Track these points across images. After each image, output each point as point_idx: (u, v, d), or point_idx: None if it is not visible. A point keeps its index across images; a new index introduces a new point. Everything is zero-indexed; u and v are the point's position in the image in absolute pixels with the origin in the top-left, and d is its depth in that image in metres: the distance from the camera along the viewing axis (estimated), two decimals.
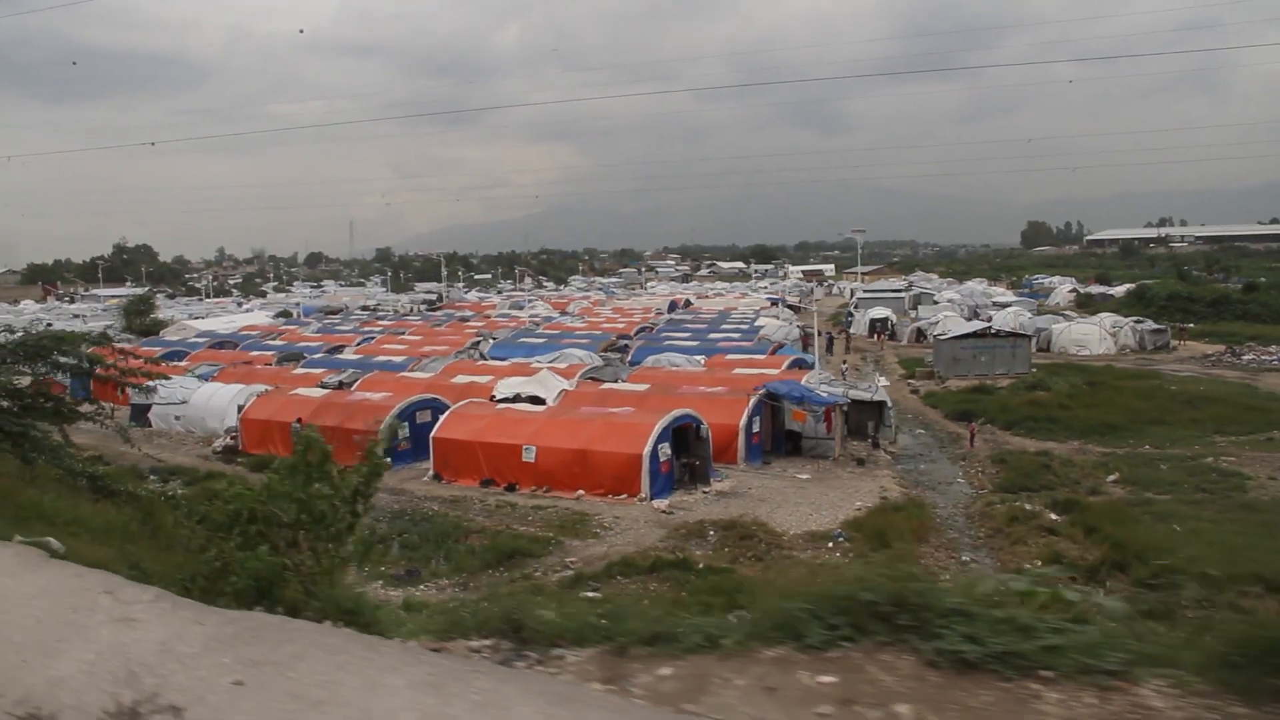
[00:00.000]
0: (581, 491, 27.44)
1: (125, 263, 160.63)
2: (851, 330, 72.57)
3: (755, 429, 31.13)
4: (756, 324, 64.29)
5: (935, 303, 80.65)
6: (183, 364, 48.83)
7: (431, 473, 30.22)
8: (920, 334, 67.43)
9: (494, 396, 35.46)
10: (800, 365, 42.08)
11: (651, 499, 26.84)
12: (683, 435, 28.73)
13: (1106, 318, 63.94)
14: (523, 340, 55.00)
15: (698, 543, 23.47)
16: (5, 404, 12.78)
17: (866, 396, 34.22)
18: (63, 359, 13.84)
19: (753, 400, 31.22)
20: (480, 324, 70.83)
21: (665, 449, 27.66)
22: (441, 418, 31.31)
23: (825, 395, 32.20)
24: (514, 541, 23.34)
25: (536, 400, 34.84)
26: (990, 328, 48.47)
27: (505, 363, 43.89)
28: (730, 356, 44.05)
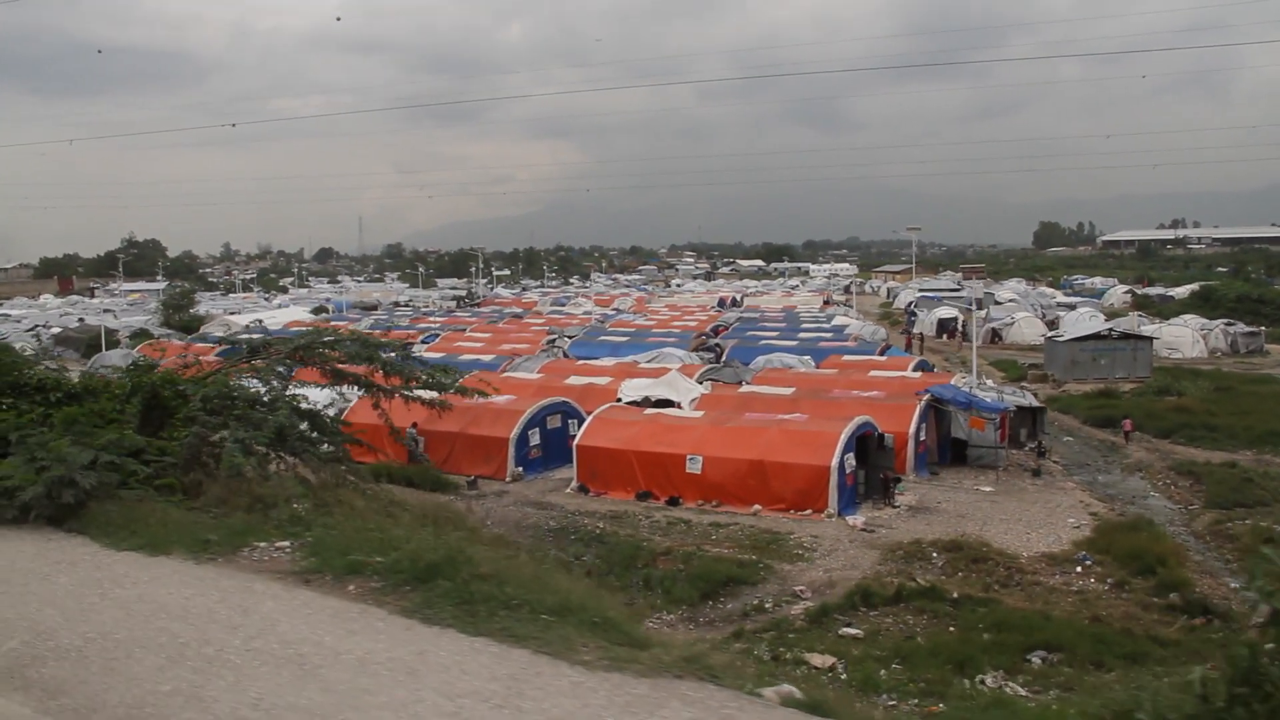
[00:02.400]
0: (758, 506, 25.10)
1: (137, 258, 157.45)
2: (915, 331, 70.36)
3: (922, 436, 28.86)
4: (834, 323, 62.01)
5: (998, 303, 78.42)
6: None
7: (575, 484, 27.85)
8: (995, 335, 65.33)
9: (620, 400, 33.13)
10: (923, 367, 39.83)
11: (839, 514, 24.55)
12: (863, 445, 26.42)
13: (1192, 319, 61.82)
14: (604, 339, 52.56)
15: (921, 566, 21.19)
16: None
17: (1025, 402, 31.99)
18: (385, 356, 11.81)
19: (920, 405, 28.93)
20: (538, 321, 68.45)
21: (851, 460, 25.38)
22: (584, 424, 28.97)
23: (993, 401, 29.96)
24: (719, 566, 20.89)
25: (664, 403, 32.53)
26: (1111, 330, 46.19)
27: (608, 362, 41.43)
28: (848, 358, 41.68)
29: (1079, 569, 20.54)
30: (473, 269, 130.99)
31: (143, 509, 8.34)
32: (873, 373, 36.54)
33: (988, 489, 27.25)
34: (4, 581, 6.91)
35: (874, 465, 26.47)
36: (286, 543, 8.19)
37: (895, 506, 25.31)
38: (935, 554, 21.68)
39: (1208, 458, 30.68)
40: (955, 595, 18.87)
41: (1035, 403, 32.56)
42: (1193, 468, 29.47)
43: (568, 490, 27.77)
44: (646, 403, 32.61)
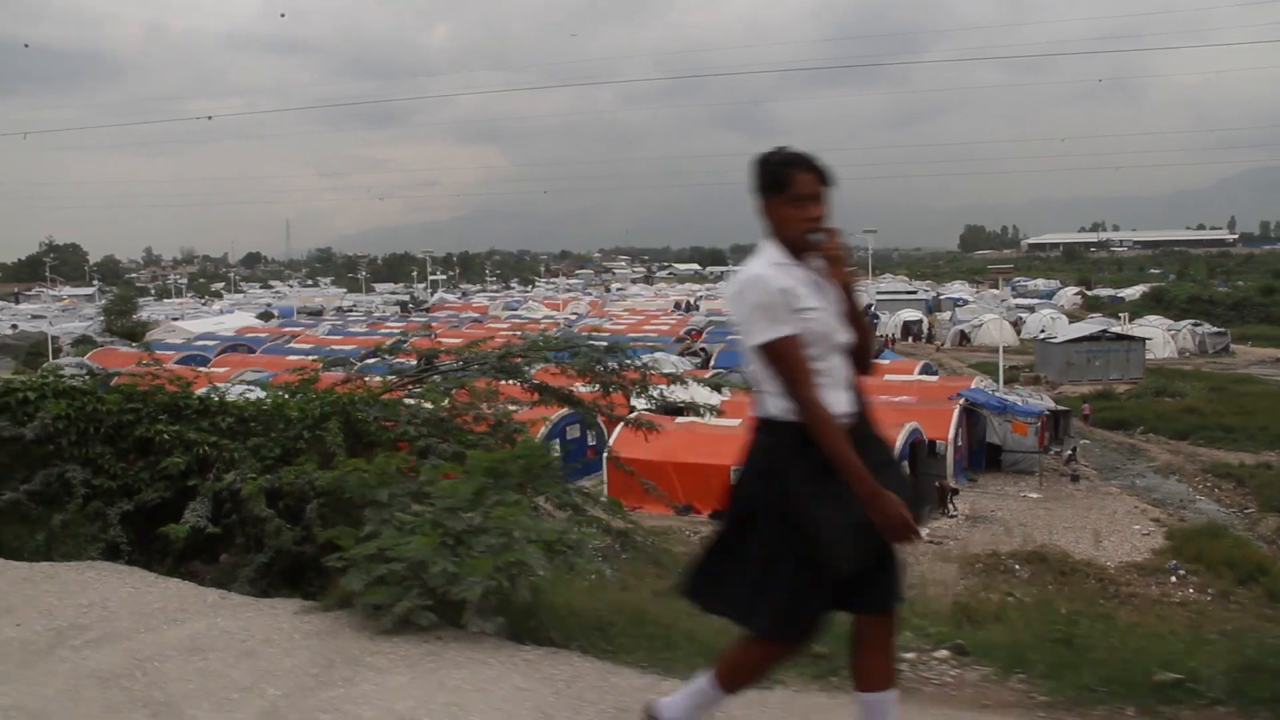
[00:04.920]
0: None
1: (59, 262, 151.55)
2: (884, 334, 70.08)
3: (959, 442, 28.04)
4: None
5: (957, 305, 78.75)
6: (219, 371, 44.09)
7: (605, 497, 26.41)
8: (963, 337, 65.27)
9: (634, 407, 31.73)
10: (927, 370, 39.17)
11: None
12: (914, 452, 25.48)
13: (1158, 320, 62.37)
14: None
15: (1006, 579, 20.26)
16: None
17: (1051, 407, 31.40)
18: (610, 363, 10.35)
19: (957, 410, 28.11)
20: (503, 325, 66.63)
21: (905, 468, 24.36)
22: (612, 434, 27.56)
23: (1027, 405, 29.29)
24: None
25: (677, 410, 31.23)
26: (1105, 330, 46.08)
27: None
28: None
29: (1173, 579, 19.78)
30: (414, 273, 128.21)
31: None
32: (887, 376, 35.64)
33: (1035, 495, 26.52)
34: None
35: (925, 473, 25.53)
36: None
37: (952, 516, 24.41)
38: (1017, 566, 20.80)
39: (1237, 459, 30.33)
40: (1064, 611, 17.95)
41: (1058, 406, 31.98)
42: (1228, 470, 29.08)
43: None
44: (666, 410, 31.31)
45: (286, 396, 8.80)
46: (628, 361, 10.69)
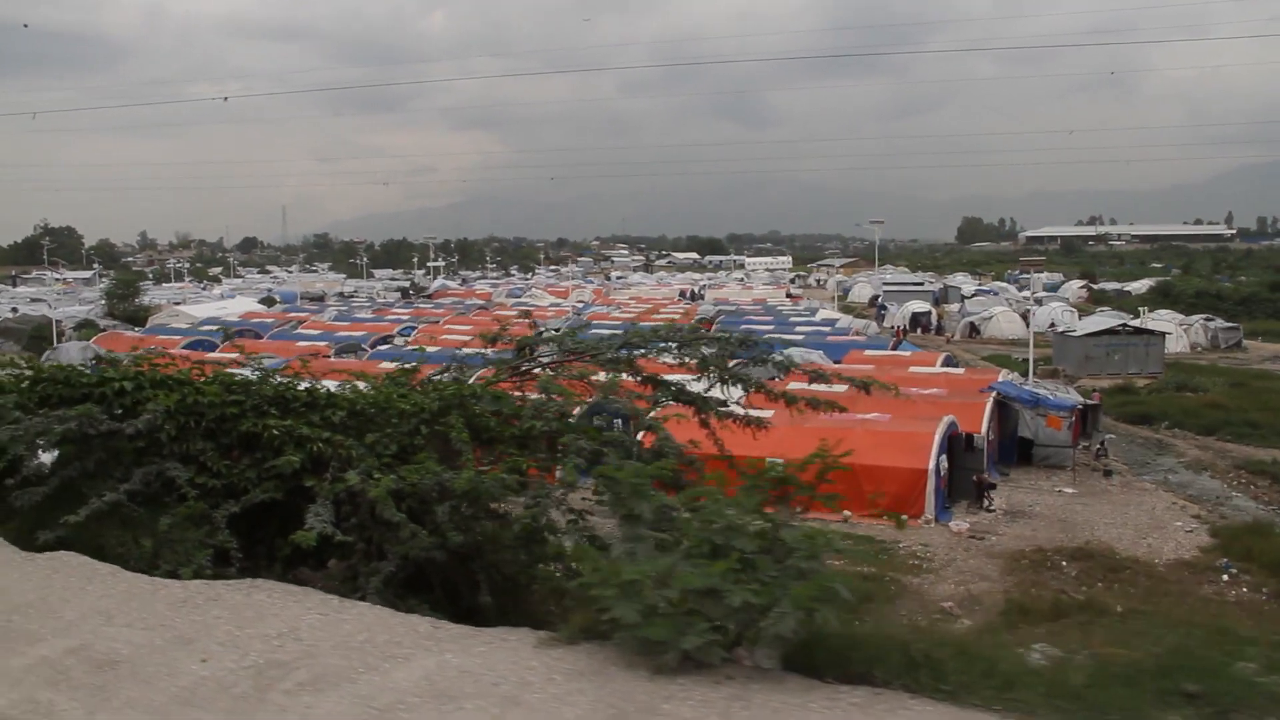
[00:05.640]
0: (848, 513, 23.57)
1: (56, 246, 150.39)
2: (894, 325, 69.78)
3: (990, 436, 27.70)
4: (819, 317, 60.94)
5: (965, 298, 78.49)
6: (228, 357, 43.54)
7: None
8: (973, 329, 64.95)
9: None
10: (949, 363, 38.82)
11: (936, 520, 23.25)
12: (952, 446, 25.13)
13: (1168, 314, 62.09)
14: (593, 331, 50.45)
15: (1053, 576, 19.95)
16: None
17: (1082, 401, 31.07)
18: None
19: (989, 403, 27.76)
20: (511, 313, 66.11)
21: (944, 462, 24.07)
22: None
23: (1058, 398, 28.98)
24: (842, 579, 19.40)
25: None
26: (1124, 325, 45.80)
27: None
28: (869, 353, 40.35)
29: (1224, 578, 19.47)
30: (414, 259, 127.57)
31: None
32: (911, 369, 35.28)
33: (1070, 490, 26.20)
34: None
35: (962, 467, 25.22)
36: None
37: (990, 510, 24.08)
38: (1064, 563, 20.48)
39: (1269, 456, 30.06)
40: (1120, 610, 17.64)
41: (1088, 400, 31.64)
42: (1262, 467, 28.80)
43: None
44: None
45: (394, 388, 8.35)
46: (774, 356, 10.21)
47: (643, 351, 9.99)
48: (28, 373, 7.87)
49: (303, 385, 8.02)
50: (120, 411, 7.29)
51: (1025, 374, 35.04)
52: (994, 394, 28.49)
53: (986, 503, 24.23)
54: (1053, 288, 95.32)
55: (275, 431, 7.19)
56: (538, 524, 6.89)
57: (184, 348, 44.07)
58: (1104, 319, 50.40)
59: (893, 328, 65.42)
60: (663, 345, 10.00)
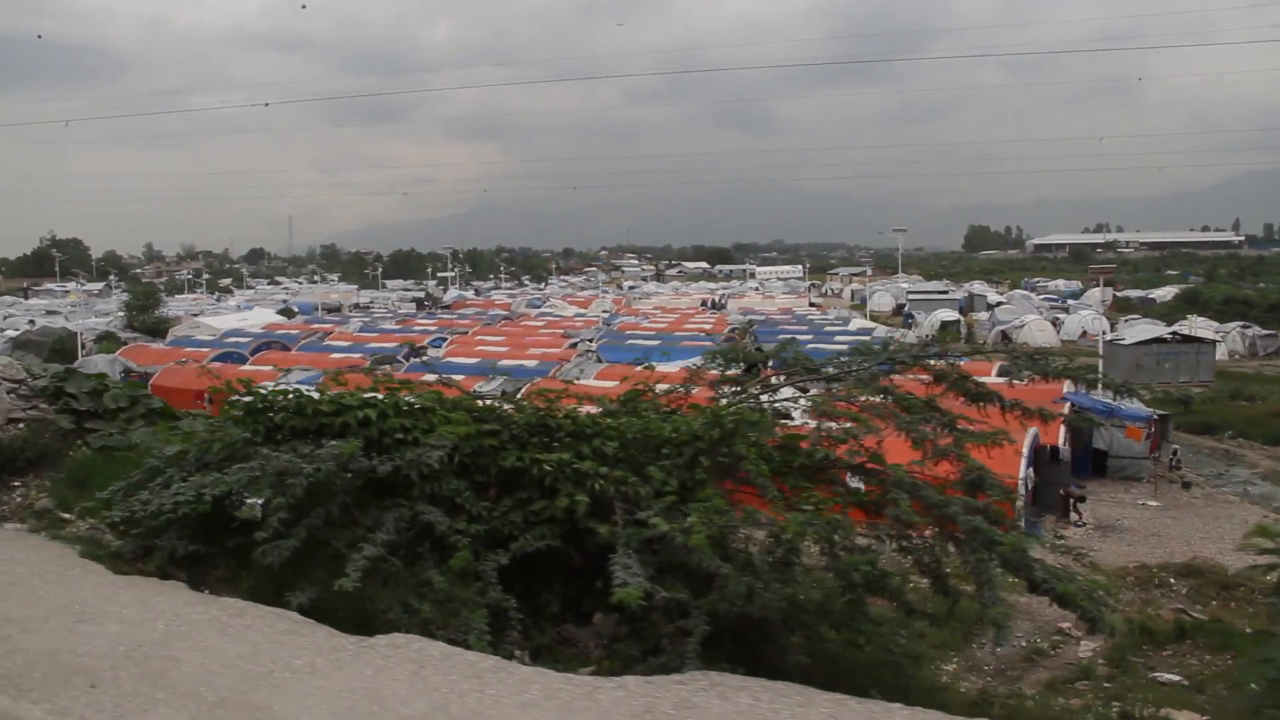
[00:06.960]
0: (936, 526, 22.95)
1: (65, 258, 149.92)
2: (916, 335, 69.22)
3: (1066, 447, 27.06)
4: (854, 326, 60.33)
5: (991, 306, 77.93)
6: (263, 369, 42.82)
7: None
8: (1005, 337, 64.28)
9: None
10: (1005, 373, 38.08)
11: (1026, 533, 22.55)
12: (1036, 457, 24.50)
13: (1204, 322, 61.46)
14: (632, 341, 49.88)
15: (1163, 593, 19.30)
16: None
17: (1154, 411, 30.42)
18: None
19: (1066, 413, 27.05)
20: (538, 323, 65.54)
21: (1032, 474, 23.45)
22: None
23: (1133, 409, 28.28)
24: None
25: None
26: (1175, 333, 45.17)
27: (671, 367, 38.83)
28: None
29: None
30: (429, 269, 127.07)
31: None
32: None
33: (1154, 504, 25.57)
34: None
35: (1047, 480, 24.57)
36: None
37: (1080, 525, 23.44)
38: (1172, 580, 19.82)
39: None
40: (1248, 630, 16.98)
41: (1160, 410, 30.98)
42: None
43: None
44: None
45: (655, 416, 7.56)
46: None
47: (886, 369, 9.22)
48: (245, 399, 7.07)
49: (561, 413, 7.27)
50: (363, 444, 6.46)
51: (1094, 385, 34.18)
52: (1068, 405, 27.78)
53: (1075, 517, 23.58)
54: (1072, 295, 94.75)
55: (546, 467, 6.41)
56: (874, 574, 6.20)
57: (212, 360, 43.50)
58: (1151, 327, 49.71)
59: (926, 336, 64.78)
60: (914, 359, 9.17)
